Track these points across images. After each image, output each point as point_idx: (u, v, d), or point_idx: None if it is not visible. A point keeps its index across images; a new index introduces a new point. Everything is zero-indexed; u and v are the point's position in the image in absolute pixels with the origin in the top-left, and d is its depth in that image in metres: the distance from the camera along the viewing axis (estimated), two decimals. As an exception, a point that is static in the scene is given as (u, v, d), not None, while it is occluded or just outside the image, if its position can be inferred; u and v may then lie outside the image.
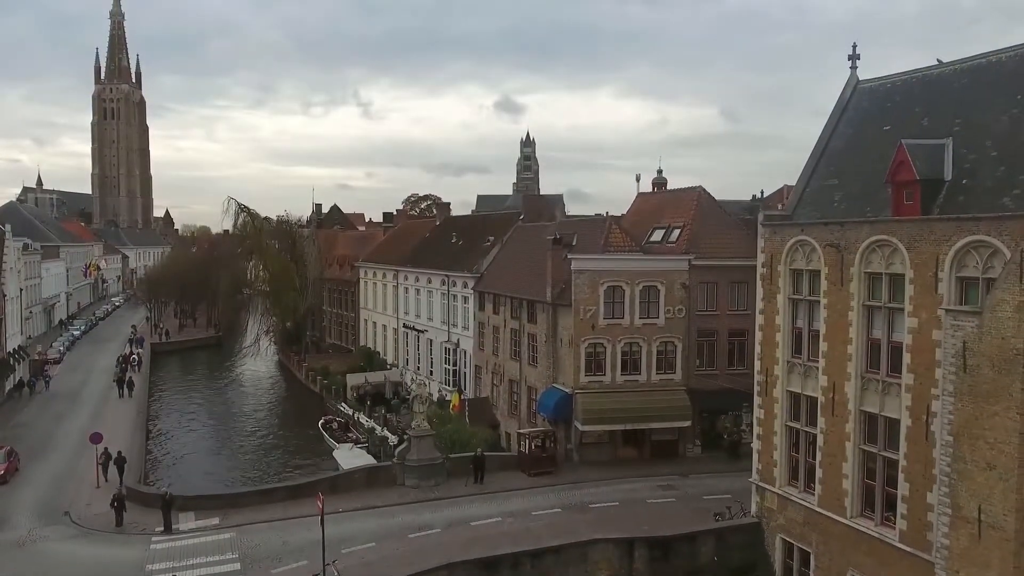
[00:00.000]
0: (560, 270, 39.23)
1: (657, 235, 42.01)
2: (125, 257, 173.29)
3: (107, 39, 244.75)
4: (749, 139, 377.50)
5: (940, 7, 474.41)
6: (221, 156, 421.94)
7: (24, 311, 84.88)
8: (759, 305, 28.68)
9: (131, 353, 79.70)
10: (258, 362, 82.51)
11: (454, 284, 52.88)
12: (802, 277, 26.84)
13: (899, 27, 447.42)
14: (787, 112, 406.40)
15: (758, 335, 28.83)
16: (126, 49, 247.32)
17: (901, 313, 23.00)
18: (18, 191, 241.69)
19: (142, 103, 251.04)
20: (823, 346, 25.72)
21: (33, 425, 50.73)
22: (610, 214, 46.68)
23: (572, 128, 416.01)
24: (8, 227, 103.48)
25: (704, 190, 42.45)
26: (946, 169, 23.37)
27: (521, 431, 39.13)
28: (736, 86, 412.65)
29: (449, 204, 65.17)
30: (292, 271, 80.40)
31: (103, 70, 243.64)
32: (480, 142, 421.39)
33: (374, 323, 68.91)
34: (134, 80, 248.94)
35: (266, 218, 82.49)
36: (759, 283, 28.63)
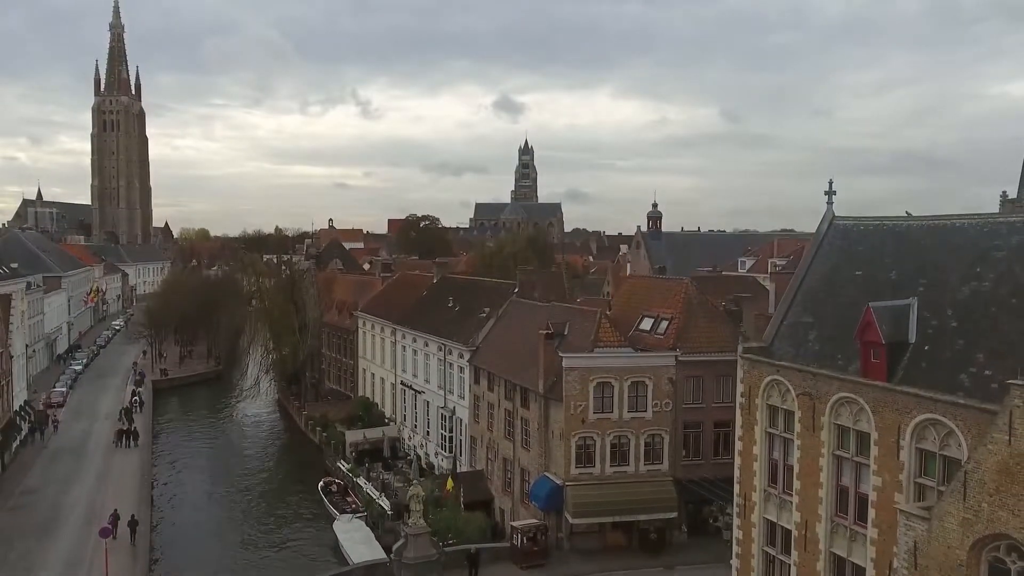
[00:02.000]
0: (552, 362, 40.75)
1: (646, 324, 43.49)
2: (125, 275, 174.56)
3: (106, 51, 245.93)
4: (748, 139, 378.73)
5: (941, 7, 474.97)
6: (219, 155, 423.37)
7: (27, 351, 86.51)
8: (739, 431, 30.17)
9: (133, 395, 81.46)
10: (258, 402, 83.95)
11: (450, 352, 54.34)
12: (778, 414, 28.33)
13: (900, 27, 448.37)
14: (786, 112, 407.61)
15: (737, 459, 30.33)
16: (126, 61, 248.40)
17: (867, 468, 24.53)
18: (17, 205, 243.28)
19: (142, 114, 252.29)
20: (796, 484, 27.24)
21: (40, 492, 52.18)
22: (604, 303, 47.92)
23: (571, 128, 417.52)
24: (14, 266, 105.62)
25: (691, 282, 43.97)
26: (910, 332, 24.86)
27: (514, 524, 40.66)
28: (735, 86, 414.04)
29: (447, 262, 66.52)
30: (292, 315, 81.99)
31: (103, 82, 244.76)
32: (479, 142, 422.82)
33: (372, 374, 70.37)
34: (134, 92, 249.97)
35: (266, 261, 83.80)
36: (738, 411, 30.13)
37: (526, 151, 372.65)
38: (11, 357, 58.42)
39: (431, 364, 57.85)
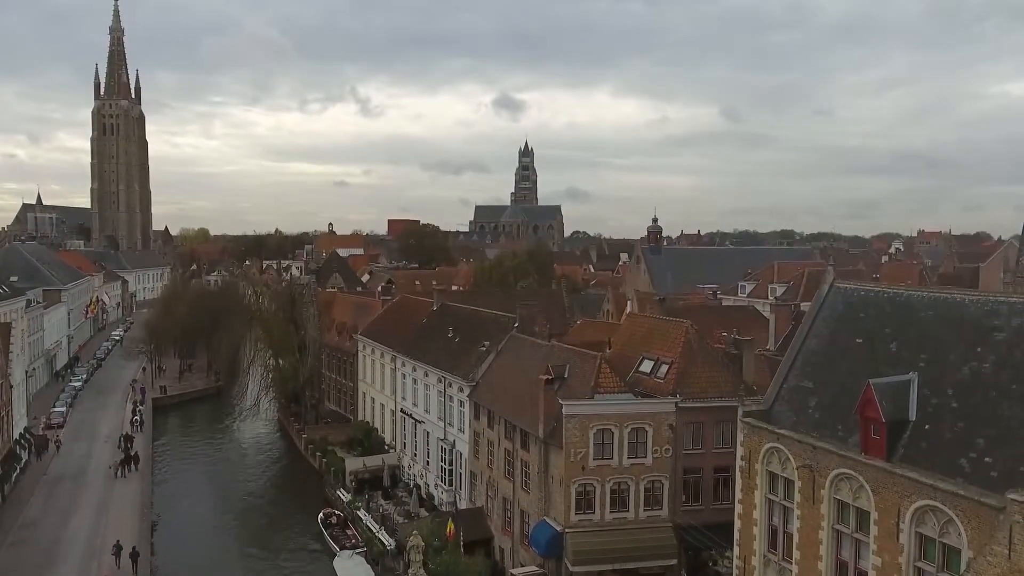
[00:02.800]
0: (552, 407, 40.78)
1: (646, 366, 43.52)
2: (125, 283, 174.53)
3: (106, 54, 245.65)
4: (749, 138, 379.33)
5: (942, 6, 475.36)
6: (218, 153, 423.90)
7: (27, 371, 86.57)
8: (738, 495, 30.24)
9: (133, 413, 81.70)
10: (257, 421, 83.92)
11: (450, 385, 54.37)
12: (778, 481, 28.38)
13: (900, 26, 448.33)
14: (787, 112, 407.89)
15: (737, 521, 30.40)
16: (126, 64, 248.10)
17: (867, 546, 24.59)
18: (17, 205, 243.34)
19: (142, 118, 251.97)
20: (796, 554, 27.31)
21: (40, 524, 52.19)
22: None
23: (571, 126, 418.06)
24: (14, 279, 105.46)
25: (692, 326, 43.94)
26: (910, 409, 24.91)
27: (514, 572, 40.74)
28: (736, 85, 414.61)
29: (445, 290, 66.57)
30: (292, 334, 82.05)
31: (102, 85, 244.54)
32: (478, 140, 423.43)
33: (372, 399, 70.42)
34: (133, 95, 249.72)
35: (266, 267, 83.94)
36: (738, 474, 30.18)
37: (526, 153, 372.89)
38: (11, 387, 58.44)
39: (431, 395, 57.89)
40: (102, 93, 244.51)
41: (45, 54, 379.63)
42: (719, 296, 79.17)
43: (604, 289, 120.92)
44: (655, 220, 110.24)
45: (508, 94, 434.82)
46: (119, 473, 57.40)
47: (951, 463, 22.82)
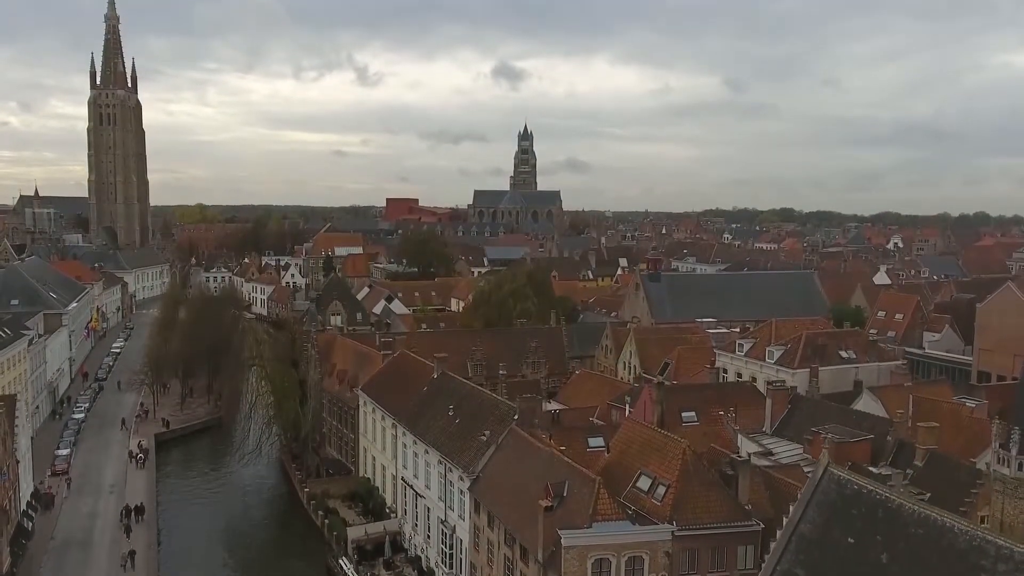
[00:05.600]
0: (551, 532, 41.65)
1: (644, 483, 44.29)
2: (124, 284, 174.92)
3: (102, 43, 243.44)
4: (750, 108, 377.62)
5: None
6: (214, 120, 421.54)
7: (30, 408, 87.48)
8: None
9: (135, 454, 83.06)
10: (260, 461, 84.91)
11: (451, 470, 55.25)
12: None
13: None
14: (789, 82, 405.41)
15: None
16: (122, 53, 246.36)
17: None
18: (14, 197, 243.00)
19: (138, 107, 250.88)
20: None
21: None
22: (599, 477, 47.59)
23: (570, 95, 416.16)
24: (15, 303, 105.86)
25: (689, 446, 44.65)
26: (899, 635, 25.77)
27: None
28: (738, 55, 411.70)
29: (445, 356, 67.33)
30: (294, 381, 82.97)
31: (98, 75, 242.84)
32: (477, 109, 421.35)
33: (374, 457, 71.39)
34: (130, 85, 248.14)
35: (267, 334, 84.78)
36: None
37: (525, 136, 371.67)
38: (17, 463, 59.30)
39: (432, 473, 58.80)
40: (98, 83, 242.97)
41: (33, 18, 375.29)
42: (715, 346, 80.00)
43: (603, 309, 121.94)
44: (654, 248, 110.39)
45: (507, 62, 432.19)
46: (126, 565, 58.39)
47: None
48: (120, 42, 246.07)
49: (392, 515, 66.00)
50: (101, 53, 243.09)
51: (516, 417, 53.41)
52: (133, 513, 66.57)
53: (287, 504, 77.99)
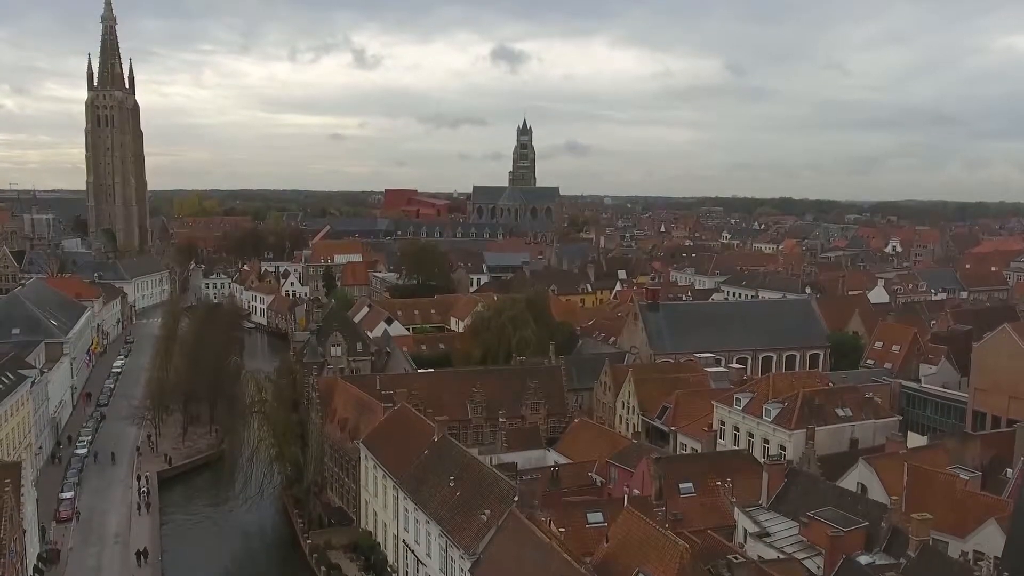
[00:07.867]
0: (551, 638, 42.49)
1: (641, 582, 45.03)
2: (124, 295, 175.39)
3: (99, 44, 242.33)
4: (751, 92, 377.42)
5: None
6: (210, 103, 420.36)
7: (33, 448, 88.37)
8: None
9: (139, 495, 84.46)
10: (262, 505, 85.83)
11: (452, 547, 55.98)
12: None
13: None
14: (790, 65, 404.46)
15: None
16: (119, 54, 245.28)
17: None
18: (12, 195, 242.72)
19: (136, 108, 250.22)
20: None
21: None
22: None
23: (568, 78, 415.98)
24: (16, 332, 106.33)
25: (687, 548, 45.29)
26: None
27: None
28: (738, 37, 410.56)
29: (446, 419, 68.07)
30: (295, 424, 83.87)
31: (95, 76, 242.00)
32: (475, 92, 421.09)
33: (375, 512, 72.15)
34: (127, 86, 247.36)
35: (268, 380, 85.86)
36: None
37: (524, 131, 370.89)
38: (24, 532, 60.00)
39: (433, 544, 59.53)
40: (95, 84, 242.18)
41: (25, 1, 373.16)
42: (714, 387, 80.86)
43: (601, 334, 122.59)
44: (653, 278, 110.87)
45: (505, 44, 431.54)
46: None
47: None
48: (117, 43, 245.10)
49: (394, 575, 66.90)
50: (98, 55, 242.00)
51: (516, 499, 54.09)
52: (139, 556, 68.80)
53: (289, 551, 78.92)
